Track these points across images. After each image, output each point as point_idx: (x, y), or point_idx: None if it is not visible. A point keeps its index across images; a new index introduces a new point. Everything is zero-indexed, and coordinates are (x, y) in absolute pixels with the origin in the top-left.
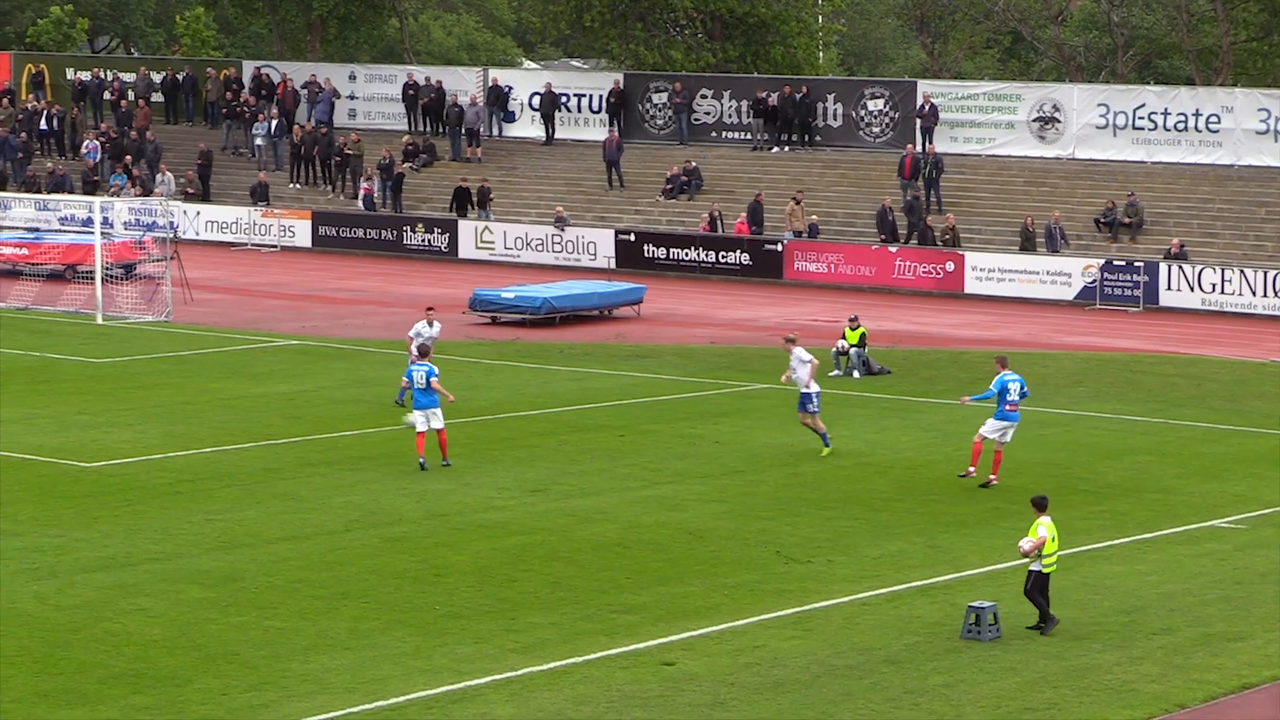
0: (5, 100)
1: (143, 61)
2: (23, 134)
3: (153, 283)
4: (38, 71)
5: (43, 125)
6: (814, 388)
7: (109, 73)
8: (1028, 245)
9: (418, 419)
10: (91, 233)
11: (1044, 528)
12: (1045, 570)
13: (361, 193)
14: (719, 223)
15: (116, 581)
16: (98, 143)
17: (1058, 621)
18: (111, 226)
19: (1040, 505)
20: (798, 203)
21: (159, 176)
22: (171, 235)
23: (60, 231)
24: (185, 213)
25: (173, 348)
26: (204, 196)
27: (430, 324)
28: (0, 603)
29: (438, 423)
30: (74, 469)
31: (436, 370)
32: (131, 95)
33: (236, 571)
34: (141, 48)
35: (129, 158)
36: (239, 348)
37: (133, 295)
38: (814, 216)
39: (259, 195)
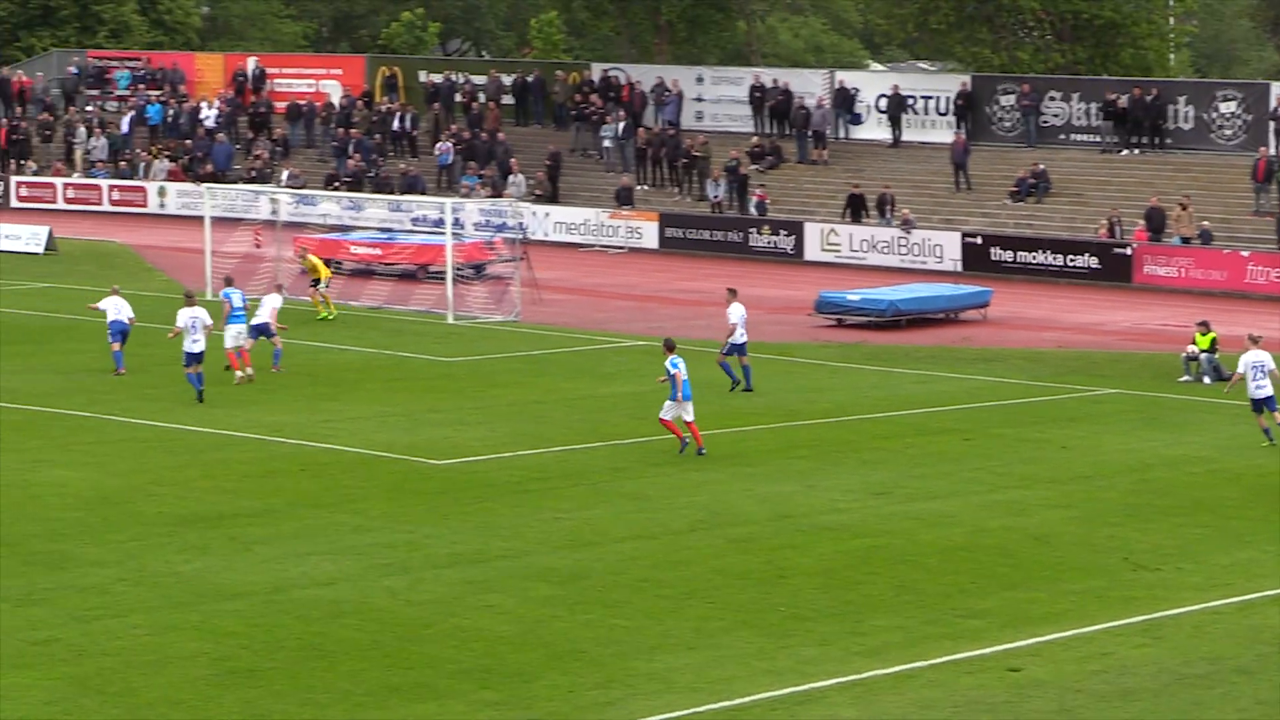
0: (360, 103)
1: (493, 64)
2: (376, 136)
3: (502, 283)
4: (391, 74)
5: (395, 127)
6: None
7: (460, 75)
8: None
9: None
10: (443, 233)
11: None
12: None
13: (754, 199)
14: (1117, 229)
15: (466, 578)
16: (449, 144)
17: None
18: (462, 227)
19: None
20: (1184, 208)
21: (510, 178)
22: (521, 236)
23: (412, 232)
24: (534, 214)
25: (521, 347)
26: (553, 198)
27: None
28: (353, 597)
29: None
30: (425, 466)
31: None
32: (482, 97)
33: (584, 570)
34: (492, 50)
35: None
36: (586, 348)
37: (482, 295)
38: (1205, 222)
39: (623, 199)
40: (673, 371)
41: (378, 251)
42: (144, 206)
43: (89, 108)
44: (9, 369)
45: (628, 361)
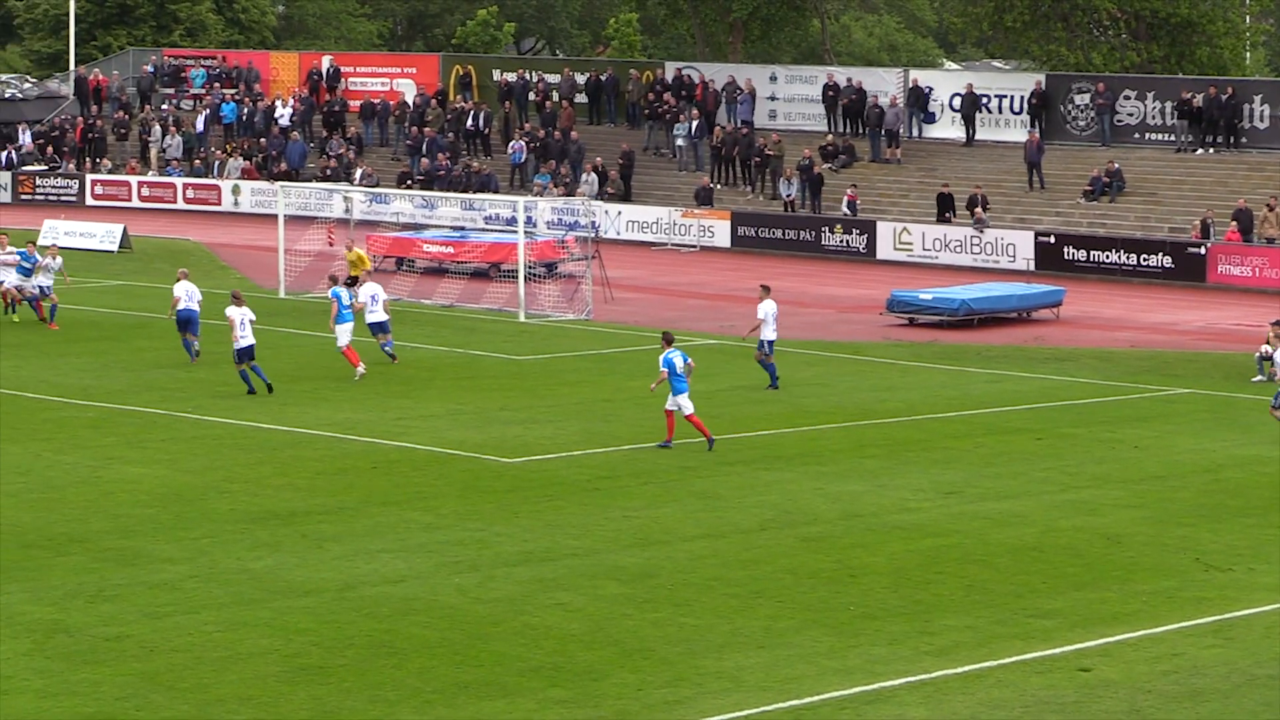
0: (434, 101)
1: (567, 63)
2: (450, 134)
3: (574, 281)
4: (465, 73)
5: (469, 126)
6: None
7: (534, 74)
8: None
9: None
10: (515, 232)
11: None
12: None
13: (846, 199)
14: (1209, 228)
15: (536, 576)
16: (522, 143)
17: None
18: (535, 226)
19: None
20: (1271, 209)
21: (582, 176)
22: (593, 235)
23: (485, 230)
24: (606, 213)
25: (593, 346)
26: (625, 196)
27: None
28: (423, 595)
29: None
30: (496, 464)
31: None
32: (556, 96)
33: (653, 568)
34: (566, 49)
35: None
36: (657, 347)
37: (554, 294)
38: None
39: (703, 199)
40: (662, 369)
41: (450, 250)
42: (218, 205)
43: (164, 106)
44: (82, 366)
45: (699, 360)
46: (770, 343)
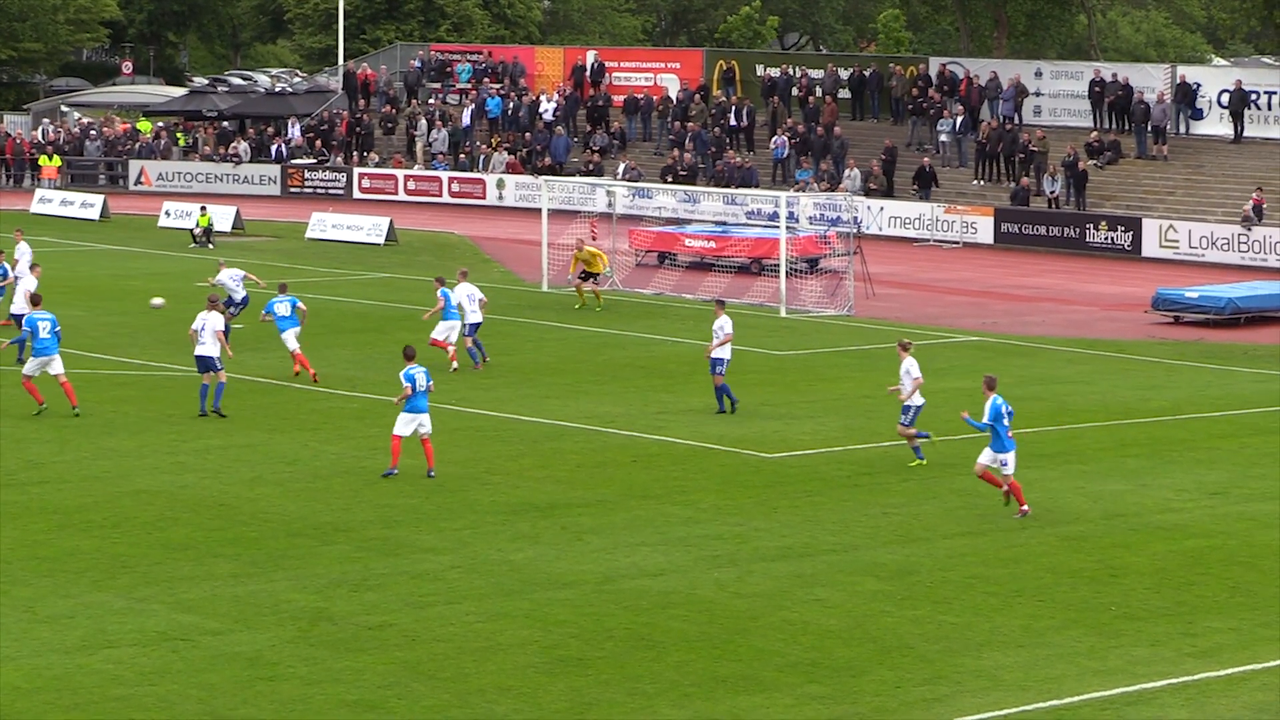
0: (698, 96)
1: (830, 58)
2: (713, 129)
3: (836, 277)
4: (728, 68)
5: (732, 121)
6: (916, 400)
7: (797, 69)
8: None
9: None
10: (777, 227)
11: None
12: None
13: (1049, 188)
14: None
15: (795, 571)
16: (785, 138)
17: None
18: (797, 221)
19: None
20: None
21: (845, 172)
22: (855, 230)
23: (747, 225)
24: (869, 208)
25: (853, 342)
26: (888, 192)
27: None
28: (682, 589)
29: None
30: (755, 459)
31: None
32: (819, 91)
33: (912, 565)
34: (829, 45)
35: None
36: (919, 343)
37: (816, 289)
38: None
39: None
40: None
41: (712, 245)
42: (482, 199)
43: (430, 101)
44: (348, 358)
45: (960, 357)
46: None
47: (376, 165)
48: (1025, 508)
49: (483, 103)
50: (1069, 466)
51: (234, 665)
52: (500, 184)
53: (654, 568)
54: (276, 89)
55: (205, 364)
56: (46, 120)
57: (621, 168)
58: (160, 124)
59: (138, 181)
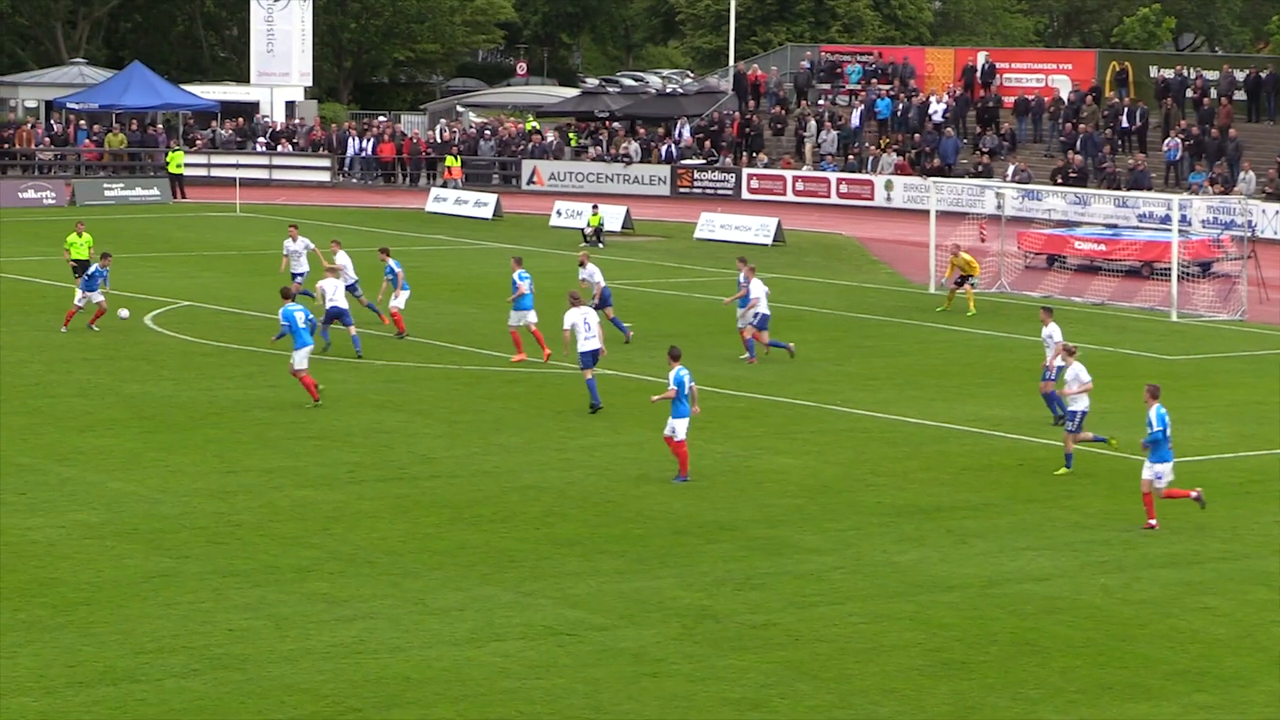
0: (1090, 98)
1: (1226, 59)
2: (1105, 131)
3: (1229, 281)
4: (1121, 69)
5: (1124, 122)
6: (1080, 404)
7: (1192, 70)
8: None
9: None
10: (1169, 230)
11: None
12: None
13: None
14: None
15: (1182, 579)
16: (1178, 140)
17: None
18: (1189, 224)
19: None
20: None
21: (1240, 175)
22: (1249, 234)
23: (1138, 228)
24: (1264, 211)
25: (1246, 347)
26: None
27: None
28: (1067, 594)
29: None
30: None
31: None
32: (1214, 93)
33: None
34: (1226, 46)
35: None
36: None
37: (1208, 294)
38: None
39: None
40: (671, 386)
41: (1102, 248)
42: (870, 200)
43: (820, 102)
44: (735, 358)
45: None
46: (591, 353)
47: (765, 166)
48: (1153, 521)
49: (872, 104)
50: None
51: (619, 661)
52: (889, 185)
53: (1039, 572)
54: (667, 90)
55: (592, 359)
56: (443, 121)
57: (1011, 169)
58: (534, 126)
59: (530, 181)
